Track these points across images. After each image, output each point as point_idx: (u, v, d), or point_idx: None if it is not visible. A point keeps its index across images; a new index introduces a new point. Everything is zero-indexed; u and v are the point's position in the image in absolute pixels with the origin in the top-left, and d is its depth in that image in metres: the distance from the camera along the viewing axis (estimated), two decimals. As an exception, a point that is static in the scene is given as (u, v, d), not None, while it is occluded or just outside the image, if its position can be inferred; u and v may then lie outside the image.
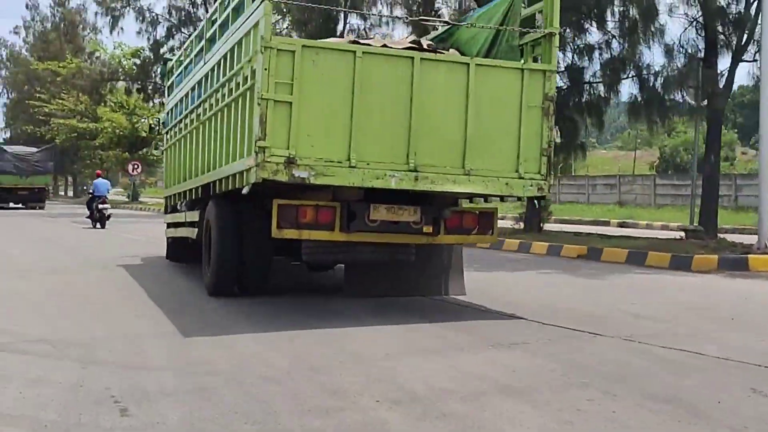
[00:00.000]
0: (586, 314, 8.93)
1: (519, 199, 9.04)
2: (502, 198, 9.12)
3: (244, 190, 8.32)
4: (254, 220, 9.65)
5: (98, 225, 25.12)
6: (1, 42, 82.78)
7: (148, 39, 43.52)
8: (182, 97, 12.77)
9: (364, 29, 30.46)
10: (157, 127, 17.74)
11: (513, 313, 8.84)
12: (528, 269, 14.28)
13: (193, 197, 11.81)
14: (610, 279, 12.87)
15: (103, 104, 53.98)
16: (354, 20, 30.58)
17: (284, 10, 29.12)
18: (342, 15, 27.84)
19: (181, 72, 13.31)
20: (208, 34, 11.00)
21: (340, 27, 29.27)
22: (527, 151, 8.43)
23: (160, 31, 43.40)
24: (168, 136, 14.61)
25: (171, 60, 15.20)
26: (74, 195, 74.96)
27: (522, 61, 8.86)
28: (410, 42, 9.69)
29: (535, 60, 8.84)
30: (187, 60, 12.72)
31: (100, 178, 27.25)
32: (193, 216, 11.58)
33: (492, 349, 6.90)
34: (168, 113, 14.64)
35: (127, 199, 56.63)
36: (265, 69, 7.75)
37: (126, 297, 10.06)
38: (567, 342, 7.32)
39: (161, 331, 7.67)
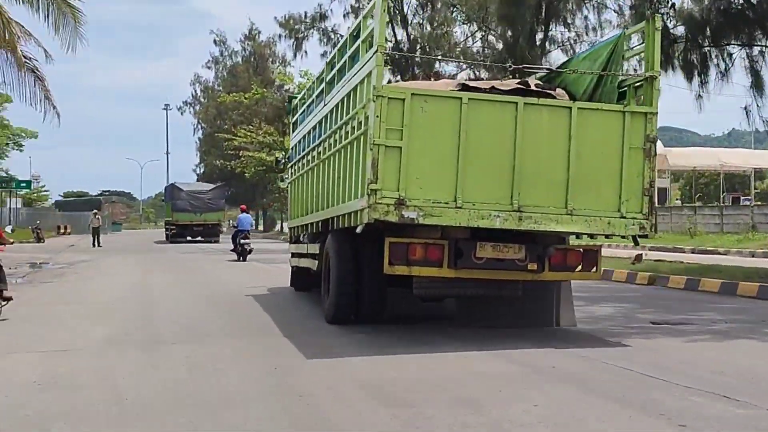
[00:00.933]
0: None
1: (623, 237, 9.27)
2: (607, 236, 9.36)
3: (358, 230, 8.89)
4: (370, 254, 10.16)
5: (241, 258, 26.02)
6: (196, 78, 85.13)
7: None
8: (305, 135, 13.53)
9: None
10: (283, 161, 18.67)
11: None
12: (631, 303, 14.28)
13: (314, 230, 12.50)
14: None
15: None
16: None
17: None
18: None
19: (304, 111, 14.09)
20: (328, 77, 11.69)
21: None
22: (629, 191, 8.69)
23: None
24: (292, 170, 15.43)
25: (295, 98, 16.05)
26: (264, 229, 74.53)
27: (625, 102, 9.12)
28: (518, 83, 10.08)
29: (637, 102, 9.09)
30: (309, 100, 13.47)
31: (244, 213, 28.15)
32: (314, 248, 12.25)
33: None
34: (293, 149, 15.48)
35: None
36: (377, 116, 8.32)
37: (253, 324, 10.81)
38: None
39: (284, 355, 8.28)
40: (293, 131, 15.79)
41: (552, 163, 8.66)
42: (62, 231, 59.23)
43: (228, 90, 72.48)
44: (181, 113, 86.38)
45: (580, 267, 9.32)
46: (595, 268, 9.36)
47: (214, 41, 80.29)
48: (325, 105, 11.67)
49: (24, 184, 59.34)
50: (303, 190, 13.71)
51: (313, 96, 13.01)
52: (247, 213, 28.86)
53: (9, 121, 59.15)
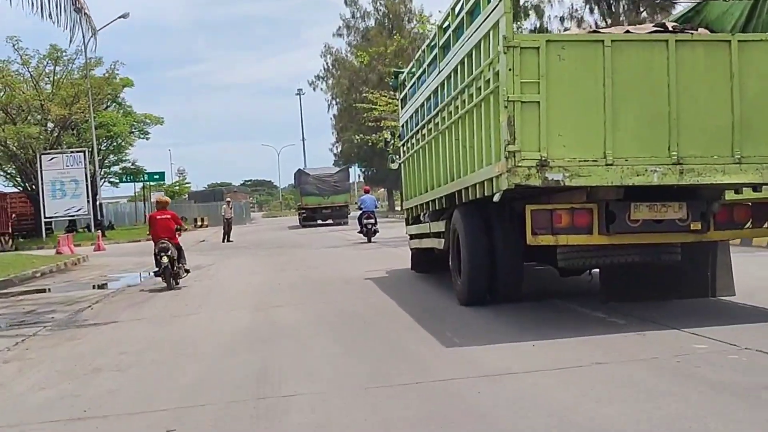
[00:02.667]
0: None
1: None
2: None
3: (495, 198, 8.04)
4: (504, 227, 9.38)
5: (368, 240, 25.55)
6: (326, 49, 75.32)
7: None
8: (417, 108, 12.72)
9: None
10: (392, 140, 17.87)
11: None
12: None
13: (437, 207, 11.69)
14: None
15: None
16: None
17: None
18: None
19: (414, 83, 13.27)
20: (441, 42, 10.84)
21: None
22: (808, 131, 7.55)
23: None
24: (404, 149, 14.64)
25: (402, 72, 15.25)
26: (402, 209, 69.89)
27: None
28: (654, 26, 9.03)
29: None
30: (420, 70, 12.65)
31: (367, 194, 27.70)
32: (439, 226, 11.46)
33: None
34: (403, 126, 14.67)
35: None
36: (510, 69, 7.43)
37: (381, 311, 10.10)
38: None
39: (425, 342, 7.61)
40: (402, 107, 14.99)
41: (713, 106, 7.59)
42: (199, 223, 57.27)
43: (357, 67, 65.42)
44: (314, 89, 76.49)
45: (749, 223, 8.22)
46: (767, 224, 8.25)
47: (345, 1, 71.23)
48: (439, 72, 10.83)
49: (157, 177, 59.57)
50: (420, 166, 12.91)
51: (424, 65, 12.17)
52: (370, 194, 28.36)
53: (131, 107, 54.86)
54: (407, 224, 15.15)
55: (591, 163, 7.47)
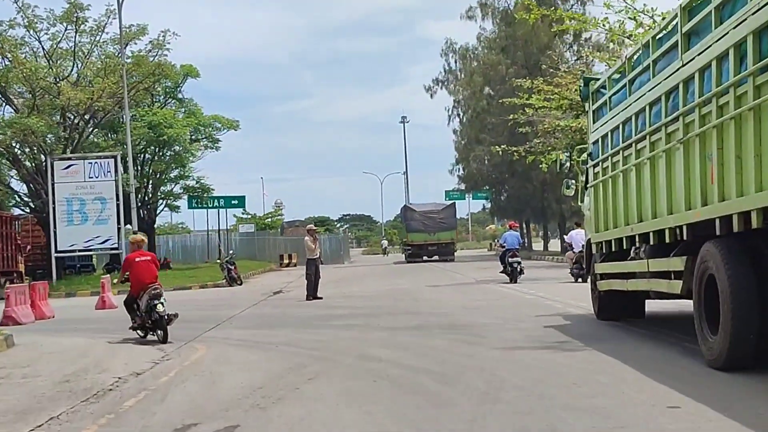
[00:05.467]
0: None
1: None
2: None
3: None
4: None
5: (512, 280, 22.98)
6: (448, 45, 58.28)
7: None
8: (631, 116, 10.21)
9: None
10: (567, 163, 15.33)
11: None
12: None
13: (662, 240, 9.13)
14: None
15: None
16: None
17: None
18: None
19: (623, 87, 10.78)
20: (687, 27, 8.35)
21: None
22: None
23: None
24: (598, 170, 12.11)
25: (595, 78, 12.80)
26: (544, 247, 55.95)
27: None
28: None
29: None
30: (636, 71, 10.18)
31: (511, 231, 25.33)
32: (669, 264, 8.94)
33: None
34: (596, 142, 12.16)
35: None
36: None
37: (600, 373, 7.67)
38: None
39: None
40: (595, 121, 12.49)
41: None
42: (286, 262, 46.47)
43: (501, 47, 51.14)
44: (431, 95, 59.50)
45: None
46: None
47: None
48: (683, 64, 8.36)
49: (235, 202, 45.62)
50: (629, 189, 10.38)
51: (648, 60, 9.71)
52: (517, 230, 25.95)
53: (198, 105, 41.42)
54: (596, 260, 12.65)
55: None
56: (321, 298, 19.80)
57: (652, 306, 12.05)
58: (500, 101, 35.72)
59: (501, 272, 24.12)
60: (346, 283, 27.76)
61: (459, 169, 61.11)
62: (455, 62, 58.31)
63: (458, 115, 59.85)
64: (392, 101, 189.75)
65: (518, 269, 23.13)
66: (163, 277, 28.09)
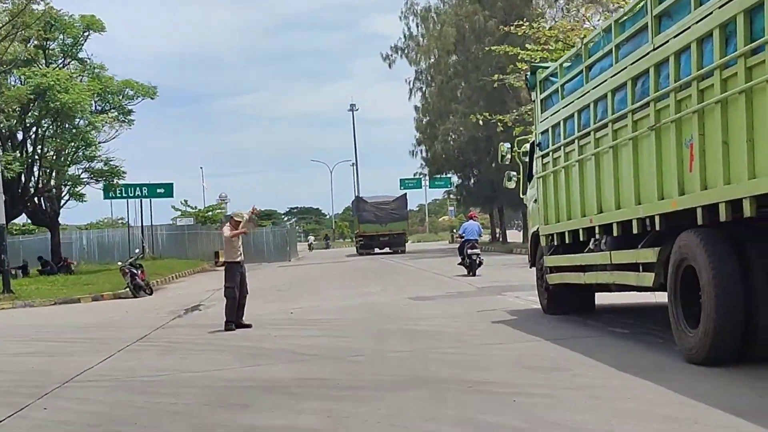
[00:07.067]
0: None
1: None
2: None
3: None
4: None
5: (471, 273, 22.18)
6: (408, 7, 51.54)
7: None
8: (589, 104, 9.86)
9: None
10: (508, 155, 14.85)
11: None
12: None
13: (634, 231, 8.75)
14: None
15: None
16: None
17: None
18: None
19: (578, 74, 10.44)
20: (658, 9, 8.02)
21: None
22: None
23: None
24: (547, 160, 11.76)
25: (544, 67, 12.45)
26: (524, 239, 40.37)
27: None
28: None
29: None
30: (594, 56, 9.85)
31: (471, 221, 24.34)
32: (638, 256, 8.63)
33: None
34: (545, 132, 11.79)
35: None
36: None
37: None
38: None
39: None
40: (543, 110, 12.15)
41: None
42: (222, 260, 36.52)
43: (470, 8, 43.06)
44: (389, 65, 52.26)
45: None
46: None
47: None
48: (654, 48, 8.04)
49: (162, 190, 40.79)
50: (593, 179, 9.94)
51: (603, 50, 9.42)
52: (477, 220, 24.89)
53: (105, 67, 33.73)
54: (537, 255, 12.37)
55: None
56: (250, 325, 12.83)
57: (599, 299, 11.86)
58: (481, 54, 32.41)
59: (459, 264, 23.30)
60: (295, 293, 20.40)
61: (422, 150, 52.97)
62: (416, 26, 51.08)
63: (420, 88, 52.39)
64: (344, 96, 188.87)
65: (477, 261, 22.24)
66: (51, 284, 23.81)
